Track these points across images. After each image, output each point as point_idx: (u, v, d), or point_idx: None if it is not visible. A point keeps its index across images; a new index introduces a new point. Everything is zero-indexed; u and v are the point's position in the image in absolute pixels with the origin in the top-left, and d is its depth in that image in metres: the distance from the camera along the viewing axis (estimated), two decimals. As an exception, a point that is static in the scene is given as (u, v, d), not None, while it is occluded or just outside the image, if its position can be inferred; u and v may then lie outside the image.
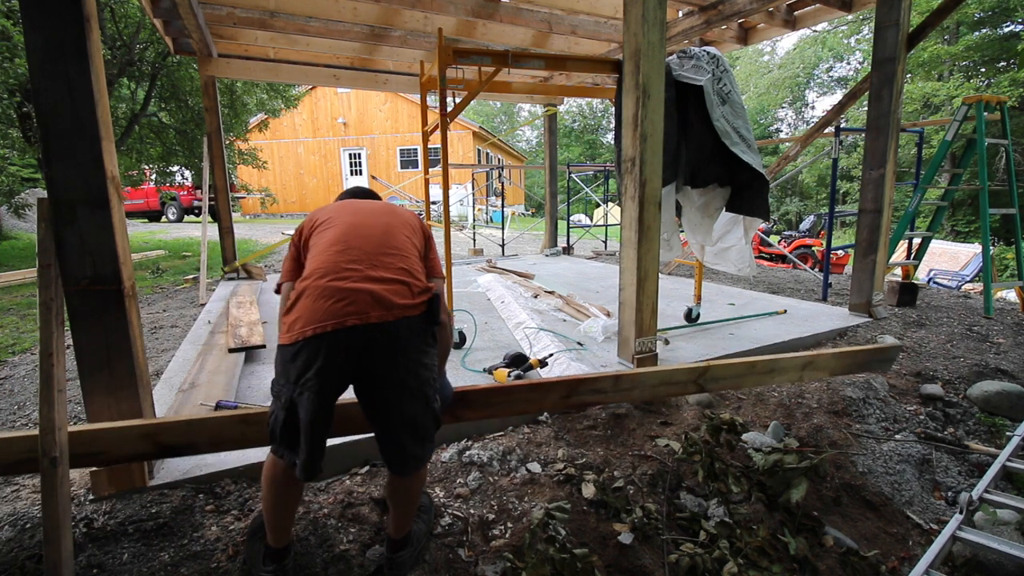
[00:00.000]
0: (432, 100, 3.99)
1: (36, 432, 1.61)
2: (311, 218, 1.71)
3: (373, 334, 1.41)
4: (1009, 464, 2.40)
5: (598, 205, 12.31)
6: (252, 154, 12.26)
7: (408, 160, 20.11)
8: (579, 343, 3.54)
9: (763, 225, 8.36)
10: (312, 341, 1.38)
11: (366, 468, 2.24)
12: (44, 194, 1.99)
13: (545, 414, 2.68)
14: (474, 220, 11.57)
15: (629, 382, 2.32)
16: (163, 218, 17.67)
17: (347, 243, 1.53)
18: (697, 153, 3.36)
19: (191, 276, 6.95)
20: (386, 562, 1.66)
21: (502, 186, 10.16)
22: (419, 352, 1.50)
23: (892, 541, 2.11)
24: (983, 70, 18.52)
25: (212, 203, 6.50)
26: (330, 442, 2.26)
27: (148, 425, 1.79)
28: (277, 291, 1.67)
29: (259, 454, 2.17)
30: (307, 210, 20.50)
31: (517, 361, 3.00)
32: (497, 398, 2.17)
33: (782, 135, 33.43)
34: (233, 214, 6.53)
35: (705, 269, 4.76)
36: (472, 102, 3.80)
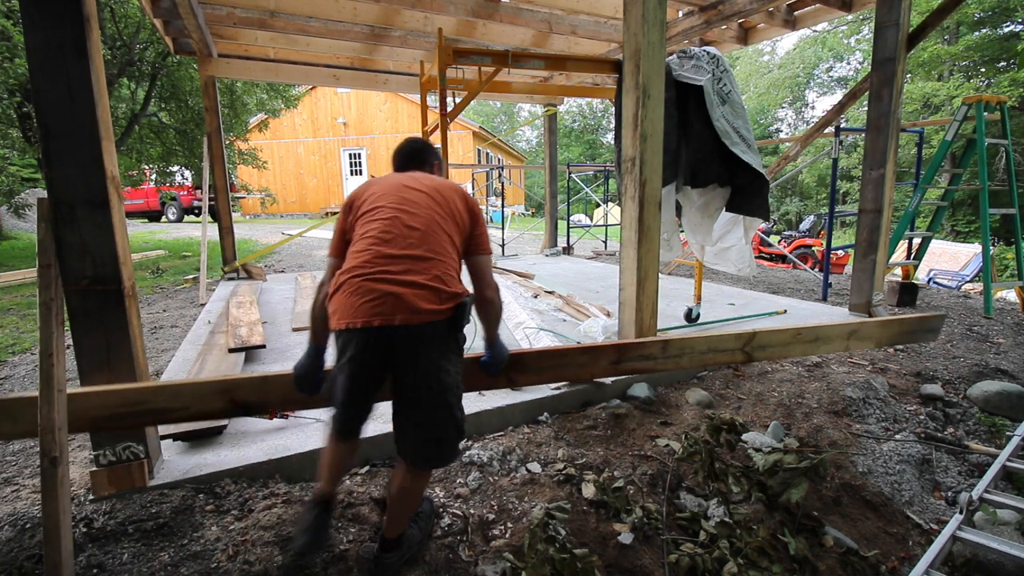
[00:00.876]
0: (432, 100, 3.99)
1: (137, 384, 1.82)
2: (361, 195, 1.75)
3: (397, 334, 1.51)
4: (1009, 464, 2.40)
5: (598, 205, 12.31)
6: (252, 154, 12.26)
7: (408, 160, 20.10)
8: (579, 343, 3.54)
9: (763, 225, 8.35)
10: (345, 333, 1.54)
11: (366, 468, 2.24)
12: (44, 194, 1.99)
13: (545, 414, 2.68)
14: (474, 220, 11.55)
15: (677, 348, 2.36)
16: (163, 218, 17.67)
17: (389, 241, 1.59)
18: (697, 153, 3.36)
19: (191, 276, 6.95)
20: (374, 560, 1.67)
21: (502, 186, 10.16)
22: (441, 356, 1.57)
23: (892, 541, 2.11)
24: (983, 70, 18.52)
25: (212, 203, 6.50)
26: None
27: (226, 380, 1.89)
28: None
29: (259, 454, 2.17)
30: (307, 210, 20.51)
31: (517, 361, 2.99)
32: (550, 361, 2.18)
33: (782, 135, 33.43)
34: (233, 214, 6.53)
35: (705, 269, 4.76)
36: (472, 102, 3.80)
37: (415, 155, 1.93)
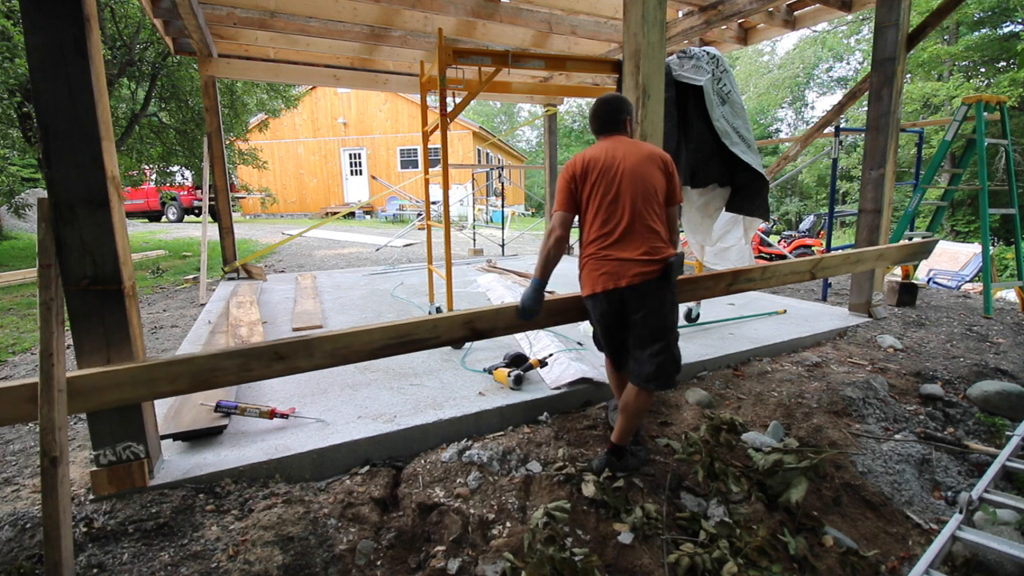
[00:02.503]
0: (432, 100, 3.99)
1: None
2: (584, 164, 2.18)
3: (627, 292, 2.07)
4: (1009, 464, 2.40)
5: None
6: (252, 154, 12.25)
7: (408, 160, 20.10)
8: (579, 343, 3.54)
9: (763, 225, 8.35)
10: (596, 297, 2.15)
11: (366, 468, 2.24)
12: (44, 194, 1.99)
13: (545, 414, 2.68)
14: (474, 220, 11.57)
15: (772, 272, 3.09)
16: (163, 218, 17.67)
17: (620, 216, 2.09)
18: (697, 153, 3.36)
19: (191, 276, 6.95)
20: (605, 458, 2.18)
21: (502, 186, 10.15)
22: (658, 303, 2.09)
23: (892, 541, 2.11)
24: (983, 70, 18.52)
25: (212, 203, 6.50)
26: (330, 442, 2.28)
27: (469, 313, 2.33)
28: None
29: (259, 454, 2.17)
30: (307, 210, 20.49)
31: (517, 361, 3.00)
32: (685, 287, 2.79)
33: (782, 135, 33.42)
34: (233, 214, 6.53)
35: (705, 269, 4.75)
36: (472, 102, 3.80)
37: (612, 117, 2.28)
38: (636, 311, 2.08)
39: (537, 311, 2.28)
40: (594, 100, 2.33)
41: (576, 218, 2.26)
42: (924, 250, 3.72)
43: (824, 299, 5.18)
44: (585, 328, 3.77)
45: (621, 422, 2.17)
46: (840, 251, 3.24)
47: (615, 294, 2.08)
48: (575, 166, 2.19)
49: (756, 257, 9.60)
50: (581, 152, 2.23)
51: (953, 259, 10.63)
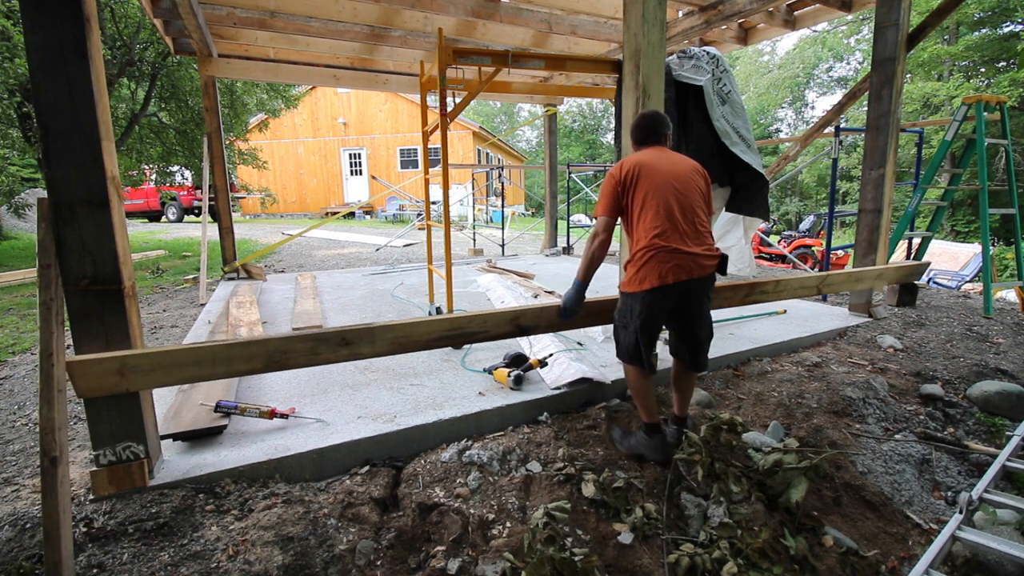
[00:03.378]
0: (432, 100, 3.99)
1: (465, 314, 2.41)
2: (633, 167, 2.25)
3: (694, 284, 2.19)
4: (1009, 464, 2.40)
5: (598, 205, 12.26)
6: (252, 154, 12.25)
7: (408, 160, 20.10)
8: (579, 343, 3.54)
9: (763, 225, 8.35)
10: (663, 289, 2.15)
11: (366, 468, 2.24)
12: (44, 194, 1.99)
13: (545, 414, 2.68)
14: (474, 220, 11.56)
15: (784, 285, 3.39)
16: (163, 218, 17.66)
17: (677, 214, 2.16)
18: (697, 153, 3.35)
19: (191, 276, 6.95)
20: (676, 431, 2.40)
21: (502, 186, 10.15)
22: (710, 292, 2.30)
23: (892, 541, 2.11)
24: (983, 70, 18.52)
25: (212, 203, 6.50)
26: (330, 442, 2.29)
27: (514, 311, 2.53)
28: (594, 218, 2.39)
29: (259, 454, 2.17)
30: (307, 210, 20.50)
31: (517, 361, 3.00)
32: (726, 293, 3.06)
33: (782, 135, 33.42)
34: (233, 214, 6.53)
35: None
36: (472, 102, 3.80)
37: (656, 130, 2.40)
38: (699, 302, 2.26)
39: (578, 311, 2.48)
40: (638, 115, 2.49)
41: (620, 221, 2.38)
42: (918, 272, 4.13)
43: (824, 299, 5.18)
44: (585, 328, 3.77)
45: (686, 398, 2.47)
46: (843, 271, 3.69)
47: (682, 286, 2.16)
48: (622, 171, 2.27)
49: (756, 257, 9.60)
50: (625, 158, 2.34)
51: (953, 259, 10.63)
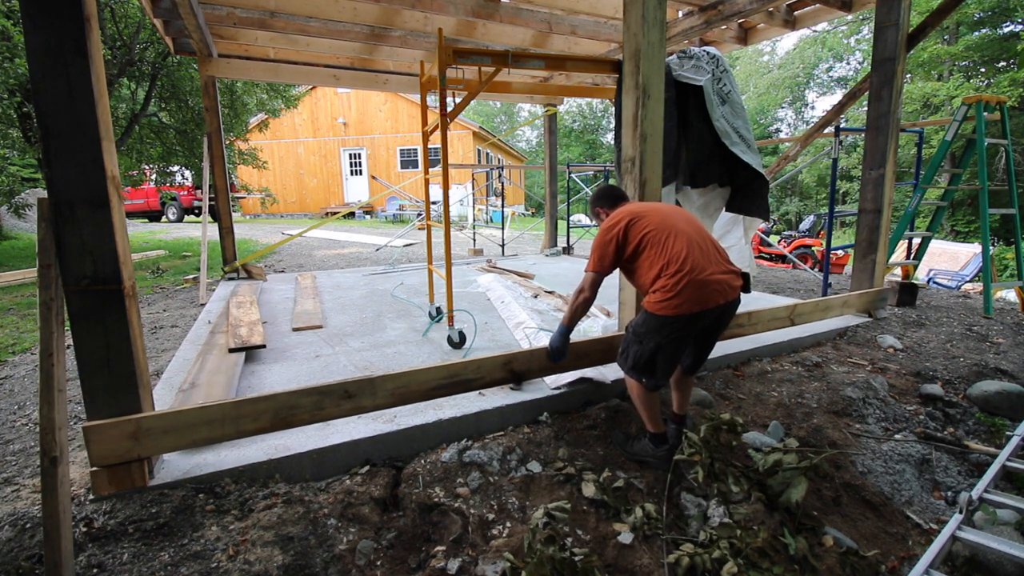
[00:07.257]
0: (432, 100, 3.99)
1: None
2: (628, 216, 2.30)
3: (730, 306, 2.22)
4: (1009, 464, 2.40)
5: (598, 205, 12.24)
6: (252, 154, 12.25)
7: (408, 160, 20.10)
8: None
9: (763, 225, 8.35)
10: (703, 314, 2.14)
11: (366, 468, 2.24)
12: (44, 194, 1.99)
13: (545, 414, 2.68)
14: (474, 220, 11.57)
15: (757, 318, 3.41)
16: (163, 218, 17.66)
17: (696, 242, 2.20)
18: (697, 153, 3.36)
19: (191, 276, 6.95)
20: (676, 429, 2.42)
21: (502, 186, 10.15)
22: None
23: (892, 541, 2.11)
24: (983, 70, 18.53)
25: (212, 203, 6.50)
26: (330, 442, 2.29)
27: (507, 355, 2.57)
28: (588, 270, 2.36)
29: (259, 454, 2.17)
30: (307, 210, 20.50)
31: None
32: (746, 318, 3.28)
33: (782, 135, 33.42)
34: (233, 214, 6.53)
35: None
36: (472, 102, 3.80)
37: (623, 193, 2.63)
38: (727, 324, 2.32)
39: (565, 352, 2.56)
40: (600, 188, 2.69)
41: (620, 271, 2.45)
42: (882, 297, 4.32)
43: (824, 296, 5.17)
44: (586, 328, 3.77)
45: (686, 398, 2.52)
46: (811, 301, 3.79)
47: (718, 310, 2.18)
48: (617, 224, 2.30)
49: (756, 257, 9.59)
50: (611, 215, 2.41)
51: (953, 259, 10.64)
